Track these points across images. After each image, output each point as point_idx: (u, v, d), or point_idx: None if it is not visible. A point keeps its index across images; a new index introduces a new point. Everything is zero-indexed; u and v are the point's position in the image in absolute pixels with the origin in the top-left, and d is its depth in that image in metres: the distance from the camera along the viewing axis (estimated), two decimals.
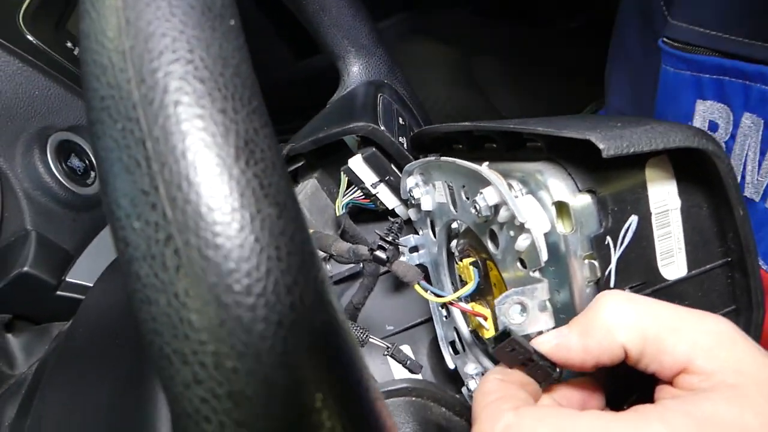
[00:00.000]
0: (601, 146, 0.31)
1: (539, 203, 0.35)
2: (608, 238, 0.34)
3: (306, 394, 0.18)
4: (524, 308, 0.34)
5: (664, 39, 0.55)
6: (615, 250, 0.34)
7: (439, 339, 0.53)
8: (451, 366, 0.50)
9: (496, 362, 0.47)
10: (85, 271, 0.66)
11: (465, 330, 0.50)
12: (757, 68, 0.48)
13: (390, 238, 0.44)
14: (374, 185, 0.56)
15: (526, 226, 0.34)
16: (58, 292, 0.64)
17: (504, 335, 0.33)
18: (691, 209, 0.36)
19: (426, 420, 0.34)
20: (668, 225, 0.35)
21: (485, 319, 0.43)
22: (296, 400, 0.18)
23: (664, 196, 0.35)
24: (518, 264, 0.36)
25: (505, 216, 0.36)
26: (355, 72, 0.62)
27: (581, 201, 0.34)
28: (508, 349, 0.32)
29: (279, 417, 0.18)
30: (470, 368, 0.49)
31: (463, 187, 0.41)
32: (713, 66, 0.51)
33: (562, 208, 0.34)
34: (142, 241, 0.19)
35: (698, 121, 0.55)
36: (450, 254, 0.49)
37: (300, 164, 0.62)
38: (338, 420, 0.19)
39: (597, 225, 0.34)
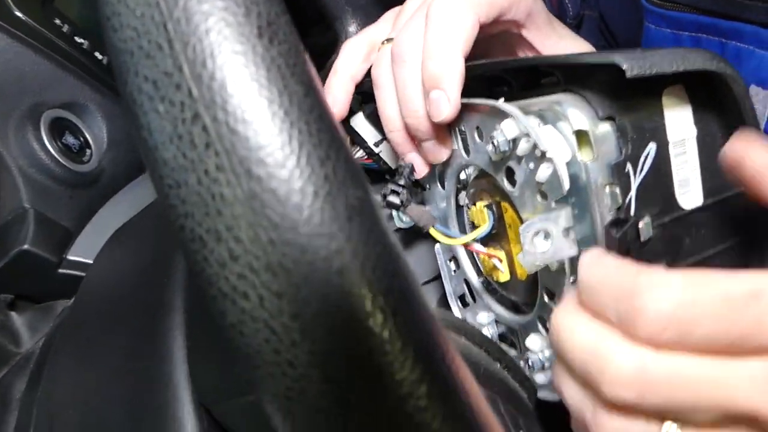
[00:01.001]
0: (624, 66, 0.31)
1: (559, 133, 0.35)
2: (628, 165, 0.34)
3: (345, 262, 0.18)
4: (548, 235, 0.34)
5: None
6: (635, 177, 0.34)
7: (447, 294, 0.52)
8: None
9: (509, 308, 0.47)
10: (86, 249, 0.65)
11: (475, 280, 0.49)
12: (732, 25, 0.48)
13: (402, 182, 0.44)
14: (377, 144, 0.55)
15: (547, 155, 0.34)
16: (60, 270, 0.63)
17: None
18: (705, 138, 0.36)
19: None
20: (685, 154, 0.36)
21: (500, 261, 0.43)
22: (336, 269, 0.18)
23: (680, 124, 0.36)
24: (538, 197, 0.37)
25: (525, 148, 0.36)
26: (353, 32, 0.62)
27: (602, 129, 0.34)
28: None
29: (318, 287, 0.18)
30: (483, 317, 0.49)
31: (477, 128, 0.41)
32: (691, 23, 0.52)
33: (582, 136, 0.34)
34: (168, 122, 0.19)
35: None
36: (458, 206, 0.49)
37: None
38: (373, 286, 0.18)
39: (617, 153, 0.34)
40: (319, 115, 0.19)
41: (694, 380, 0.26)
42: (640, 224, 0.34)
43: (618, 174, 0.34)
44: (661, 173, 0.35)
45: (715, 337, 0.25)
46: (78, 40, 0.67)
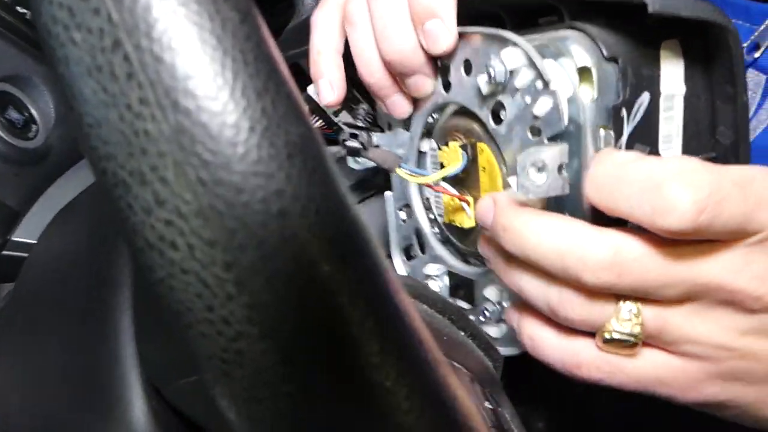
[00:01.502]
0: (648, 1, 0.31)
1: (562, 68, 0.34)
2: (623, 110, 0.34)
3: (285, 204, 0.16)
4: (543, 168, 0.33)
5: None
6: (628, 123, 0.34)
7: (391, 246, 0.51)
8: (403, 272, 0.50)
9: (467, 261, 0.46)
10: (33, 230, 0.62)
11: (428, 229, 0.49)
12: None
13: (360, 124, 0.42)
14: (336, 113, 0.53)
15: (551, 86, 0.33)
16: (4, 252, 0.60)
17: None
18: (691, 98, 0.36)
19: None
20: (672, 110, 0.36)
21: (468, 204, 0.42)
22: (275, 211, 0.16)
23: (672, 79, 0.36)
24: (529, 134, 0.36)
25: (525, 80, 0.35)
26: (310, 3, 0.60)
27: (605, 68, 0.34)
28: None
29: (255, 233, 0.16)
30: (431, 269, 0.48)
31: (465, 61, 0.40)
32: None
33: (584, 74, 0.34)
34: (86, 53, 0.17)
35: None
36: (420, 153, 0.47)
37: None
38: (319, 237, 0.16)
39: (615, 95, 0.34)
40: (257, 43, 0.17)
41: (665, 259, 0.29)
42: None
43: (614, 117, 0.34)
44: (649, 125, 0.35)
45: (734, 221, 0.28)
46: (20, 10, 0.64)
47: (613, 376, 0.32)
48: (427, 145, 0.47)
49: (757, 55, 0.42)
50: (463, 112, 0.43)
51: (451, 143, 0.43)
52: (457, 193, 0.43)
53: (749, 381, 0.31)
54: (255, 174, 0.16)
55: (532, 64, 0.34)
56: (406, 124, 0.47)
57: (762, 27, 0.42)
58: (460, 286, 0.47)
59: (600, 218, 0.31)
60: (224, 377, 0.17)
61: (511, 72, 0.35)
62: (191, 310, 0.17)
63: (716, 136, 0.37)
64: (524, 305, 0.35)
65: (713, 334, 0.30)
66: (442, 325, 0.34)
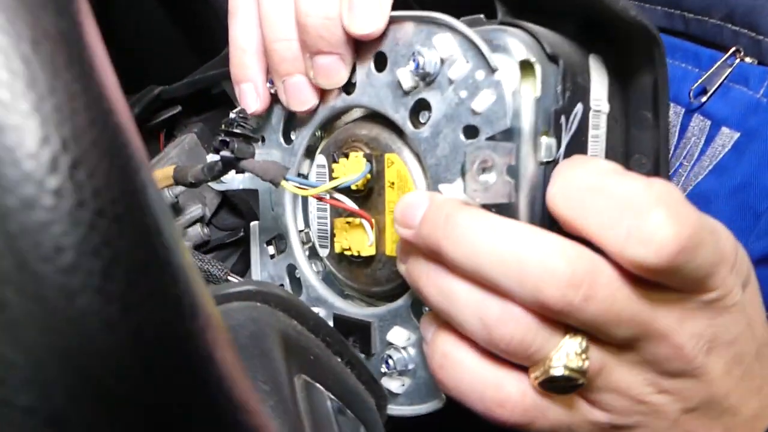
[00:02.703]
0: None
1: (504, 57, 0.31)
2: (563, 117, 0.30)
3: None
4: (491, 168, 0.29)
5: None
6: (565, 132, 0.31)
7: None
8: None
9: (361, 300, 0.41)
10: None
11: (305, 265, 0.42)
12: None
13: (237, 130, 0.37)
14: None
15: (496, 76, 0.30)
16: None
17: None
18: (610, 120, 0.34)
19: (271, 326, 0.28)
20: (599, 128, 0.33)
21: (370, 224, 0.36)
22: None
23: (598, 95, 0.33)
24: (461, 136, 0.31)
25: (462, 70, 0.31)
26: None
27: (546, 67, 0.30)
28: None
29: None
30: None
31: (377, 55, 0.35)
32: None
33: (526, 70, 0.30)
34: None
35: None
36: (300, 176, 0.42)
37: (176, 111, 0.56)
38: None
39: (555, 99, 0.30)
40: None
41: (633, 294, 0.26)
42: None
43: (554, 124, 0.30)
44: (580, 142, 0.32)
45: (703, 270, 0.26)
46: None
47: (533, 423, 0.28)
48: (309, 166, 0.42)
49: (704, 99, 0.42)
50: (367, 118, 0.38)
51: (352, 154, 0.37)
52: (356, 207, 0.36)
53: None
54: None
55: (472, 53, 0.31)
56: (286, 136, 0.41)
57: (710, 71, 0.41)
58: (351, 332, 0.40)
59: None
60: None
61: (443, 61, 0.32)
62: None
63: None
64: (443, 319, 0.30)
65: (635, 386, 0.28)
66: (311, 344, 0.30)
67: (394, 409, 0.38)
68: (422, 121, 0.34)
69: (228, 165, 0.37)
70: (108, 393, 0.13)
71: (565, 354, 0.26)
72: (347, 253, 0.38)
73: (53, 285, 0.13)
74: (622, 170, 0.27)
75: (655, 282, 0.26)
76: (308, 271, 0.42)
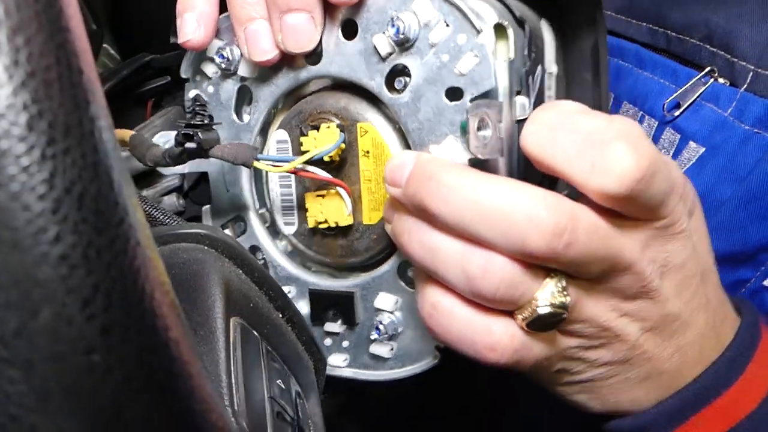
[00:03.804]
0: None
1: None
2: (530, 78, 0.32)
3: None
4: (486, 126, 0.30)
5: None
6: (532, 92, 0.33)
7: None
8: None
9: (339, 273, 0.41)
10: None
11: (269, 244, 0.42)
12: (616, 42, 0.50)
13: (197, 120, 0.36)
14: None
15: (479, 40, 0.31)
16: None
17: None
18: (558, 81, 0.36)
19: (214, 269, 0.29)
20: (551, 89, 0.35)
21: (347, 192, 0.36)
22: None
23: (550, 57, 0.35)
24: (444, 98, 0.32)
25: (443, 34, 0.32)
26: None
27: (516, 30, 0.32)
28: None
29: None
30: None
31: (349, 24, 0.35)
32: None
33: (500, 33, 0.31)
34: None
35: None
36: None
37: (164, 81, 0.56)
38: None
39: (523, 61, 0.32)
40: None
41: (607, 233, 0.28)
42: None
43: (525, 83, 0.32)
44: (541, 100, 0.34)
45: (658, 198, 0.28)
46: None
47: (521, 361, 0.30)
48: (260, 142, 0.40)
49: (677, 113, 0.44)
50: (332, 88, 0.38)
51: (323, 126, 0.36)
52: (331, 177, 0.36)
53: (604, 362, 0.32)
54: None
55: (452, 16, 0.31)
56: (238, 113, 0.40)
57: (684, 87, 0.43)
58: (329, 306, 0.40)
59: None
60: None
61: (423, 26, 0.32)
62: None
63: None
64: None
65: (601, 313, 0.30)
66: (253, 294, 0.31)
67: (389, 374, 0.39)
68: (397, 87, 0.34)
69: (194, 155, 0.36)
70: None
71: (549, 293, 0.28)
72: (322, 226, 0.38)
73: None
74: (587, 109, 0.29)
75: (619, 213, 0.28)
76: (274, 251, 0.42)
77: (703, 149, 0.42)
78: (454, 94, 0.32)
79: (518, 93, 0.32)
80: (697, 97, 0.43)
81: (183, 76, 0.41)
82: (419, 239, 0.30)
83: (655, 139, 0.45)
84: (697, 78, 0.43)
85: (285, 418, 0.28)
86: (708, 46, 0.43)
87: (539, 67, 0.34)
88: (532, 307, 0.28)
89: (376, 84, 0.35)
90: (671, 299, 0.31)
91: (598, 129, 0.27)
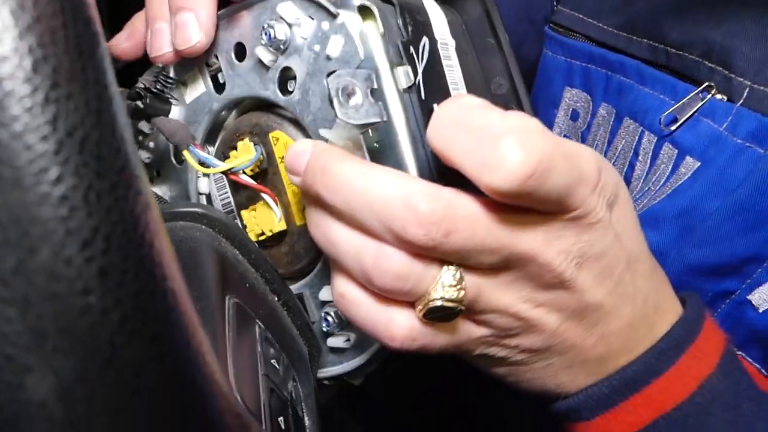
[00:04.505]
0: None
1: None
2: (411, 49, 0.33)
3: None
4: (353, 93, 0.31)
5: (551, 24, 0.58)
6: (419, 61, 0.34)
7: None
8: None
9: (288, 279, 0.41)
10: None
11: None
12: (618, 58, 0.50)
13: (157, 87, 0.37)
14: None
15: (338, 21, 0.33)
16: None
17: None
18: (460, 53, 0.37)
19: (211, 247, 0.29)
20: (450, 59, 0.36)
21: (274, 199, 0.37)
22: None
23: (441, 30, 0.36)
24: (326, 85, 0.33)
25: (309, 28, 0.34)
26: None
27: (383, 8, 0.34)
28: None
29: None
30: None
31: (236, 46, 0.38)
32: (584, 53, 0.54)
33: (366, 13, 0.33)
34: None
35: (563, 109, 0.57)
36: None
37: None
38: None
39: (399, 34, 0.33)
40: None
41: (493, 223, 0.28)
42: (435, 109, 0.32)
43: (406, 54, 0.33)
44: (437, 70, 0.35)
45: (556, 192, 0.28)
46: None
47: (424, 348, 0.31)
48: (207, 184, 0.42)
49: (673, 128, 0.44)
50: (244, 110, 0.40)
51: (239, 144, 0.38)
52: (254, 182, 0.38)
53: (524, 349, 0.32)
54: None
55: (313, 9, 0.34)
56: (177, 157, 0.42)
57: (682, 102, 0.44)
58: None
59: (441, 179, 0.31)
60: None
61: (291, 26, 0.35)
62: None
63: (491, 88, 0.39)
64: None
65: (513, 304, 0.30)
66: (249, 275, 0.31)
67: (351, 364, 0.39)
68: (290, 89, 0.37)
69: (137, 115, 0.37)
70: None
71: (441, 286, 0.28)
72: (262, 238, 0.39)
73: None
74: (486, 104, 0.29)
75: (517, 206, 0.28)
76: None
77: (699, 164, 0.43)
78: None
79: (399, 64, 0.33)
80: (695, 111, 0.43)
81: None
82: (323, 230, 0.31)
83: (654, 155, 0.46)
84: (694, 93, 0.43)
85: (279, 396, 0.28)
86: (706, 62, 0.43)
87: (424, 38, 0.34)
88: (426, 299, 0.29)
89: (272, 92, 0.37)
90: (591, 289, 0.31)
91: (490, 124, 0.27)
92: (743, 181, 0.40)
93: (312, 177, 0.30)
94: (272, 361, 0.29)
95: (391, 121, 0.32)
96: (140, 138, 0.43)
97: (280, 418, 0.28)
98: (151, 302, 0.16)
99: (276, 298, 0.33)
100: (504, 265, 0.29)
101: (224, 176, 0.39)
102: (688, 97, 0.44)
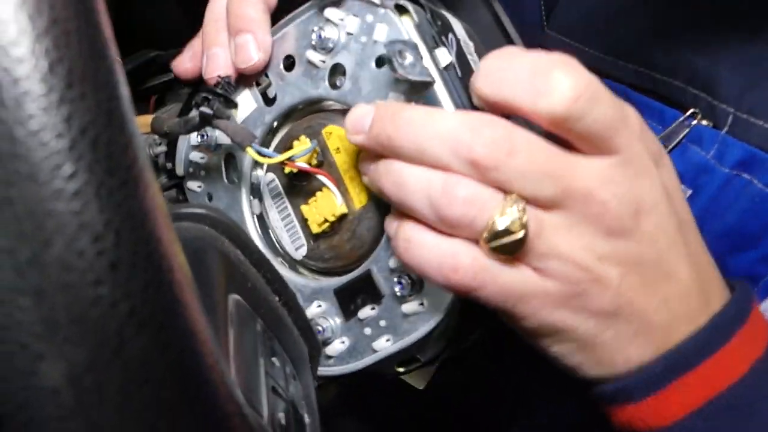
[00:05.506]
0: None
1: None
2: (443, 38, 0.37)
3: None
4: (405, 51, 0.35)
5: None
6: (450, 48, 0.37)
7: None
8: None
9: (348, 268, 0.42)
10: None
11: (276, 265, 0.44)
12: (606, 82, 0.50)
13: (220, 91, 0.40)
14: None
15: (381, 10, 0.37)
16: None
17: None
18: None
19: (214, 247, 0.30)
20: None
21: (333, 182, 0.39)
22: None
23: (460, 32, 0.39)
24: (375, 69, 0.38)
25: (354, 24, 0.37)
26: None
27: (415, 7, 0.37)
28: None
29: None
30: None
31: (285, 59, 0.41)
32: None
33: (400, 11, 0.37)
34: None
35: None
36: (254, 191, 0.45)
37: (168, 78, 0.57)
38: None
39: (430, 27, 0.37)
40: None
41: (550, 150, 0.31)
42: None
43: (440, 40, 0.37)
44: (466, 62, 0.37)
45: (601, 125, 0.30)
46: None
47: (485, 287, 0.32)
48: (259, 206, 0.45)
49: None
50: (294, 118, 0.43)
51: (294, 143, 0.41)
52: (312, 168, 0.40)
53: (593, 312, 0.32)
54: None
55: (356, 8, 0.37)
56: (228, 175, 0.45)
57: (669, 129, 0.44)
58: (355, 294, 0.41)
59: None
60: None
61: (337, 26, 0.38)
62: None
63: None
64: (404, 213, 0.34)
65: (575, 251, 0.31)
66: (251, 275, 0.32)
67: (429, 325, 0.39)
68: (339, 85, 0.39)
69: (205, 120, 0.39)
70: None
71: (506, 208, 0.30)
72: (324, 227, 0.40)
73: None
74: (527, 50, 0.32)
75: (568, 143, 0.31)
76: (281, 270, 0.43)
77: (690, 191, 0.43)
78: (381, 62, 0.37)
79: (436, 48, 0.37)
80: (682, 138, 0.44)
81: (179, 174, 0.46)
82: (389, 176, 0.33)
83: None
84: (680, 120, 0.44)
85: (280, 394, 0.29)
86: (691, 89, 0.44)
87: (450, 35, 0.38)
88: (489, 225, 0.30)
89: (323, 89, 0.40)
90: (647, 242, 0.32)
91: (539, 61, 0.30)
92: (731, 205, 0.41)
93: (381, 125, 0.32)
94: (273, 358, 0.30)
95: (437, 88, 0.35)
96: (191, 170, 0.46)
97: (281, 415, 0.28)
98: (158, 294, 0.16)
99: (277, 299, 0.34)
100: (562, 201, 0.31)
101: (280, 185, 0.43)
102: (674, 124, 0.44)
